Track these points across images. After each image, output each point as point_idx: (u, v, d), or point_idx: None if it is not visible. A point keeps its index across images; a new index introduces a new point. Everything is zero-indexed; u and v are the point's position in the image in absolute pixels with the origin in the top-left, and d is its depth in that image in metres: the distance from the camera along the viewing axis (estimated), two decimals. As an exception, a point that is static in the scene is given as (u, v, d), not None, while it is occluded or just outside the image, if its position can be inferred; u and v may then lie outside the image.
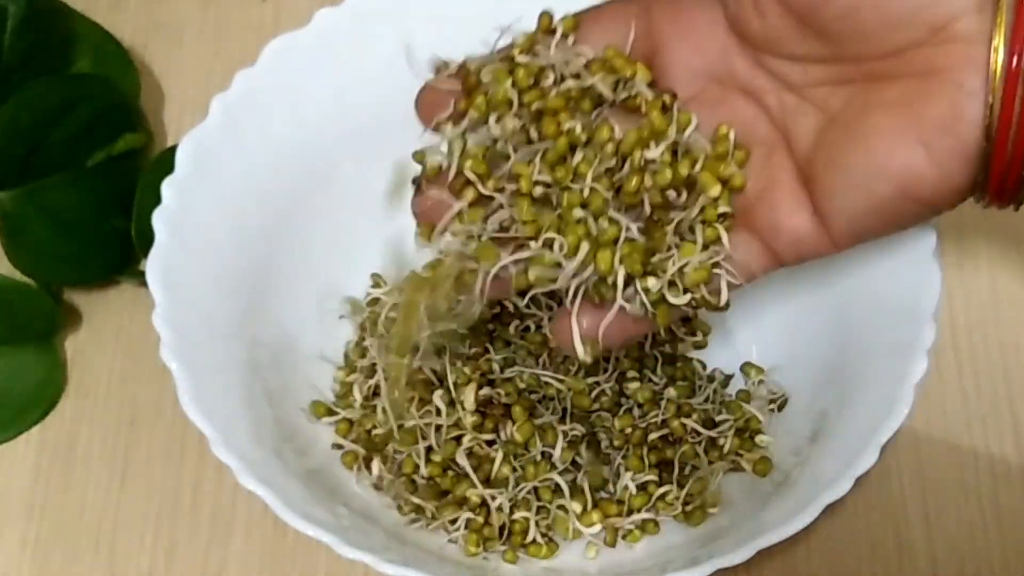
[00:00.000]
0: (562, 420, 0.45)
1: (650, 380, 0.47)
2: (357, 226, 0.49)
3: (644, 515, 0.43)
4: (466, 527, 0.43)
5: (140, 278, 0.48)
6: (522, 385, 0.45)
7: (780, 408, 0.46)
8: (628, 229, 0.33)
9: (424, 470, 0.44)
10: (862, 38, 0.32)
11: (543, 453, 0.44)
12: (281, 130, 0.46)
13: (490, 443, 0.45)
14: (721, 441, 0.44)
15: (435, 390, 0.45)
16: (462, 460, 0.43)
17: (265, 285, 0.46)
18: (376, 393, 0.46)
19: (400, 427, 0.45)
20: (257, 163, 0.46)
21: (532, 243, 0.33)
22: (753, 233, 0.35)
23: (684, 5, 0.35)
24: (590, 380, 0.46)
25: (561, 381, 0.45)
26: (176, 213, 0.43)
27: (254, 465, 0.39)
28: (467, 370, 0.45)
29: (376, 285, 0.51)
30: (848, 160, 0.32)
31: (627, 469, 0.44)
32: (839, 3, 0.31)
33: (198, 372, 0.40)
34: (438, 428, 0.44)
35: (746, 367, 0.48)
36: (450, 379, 0.44)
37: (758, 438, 0.45)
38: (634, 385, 0.46)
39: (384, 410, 0.45)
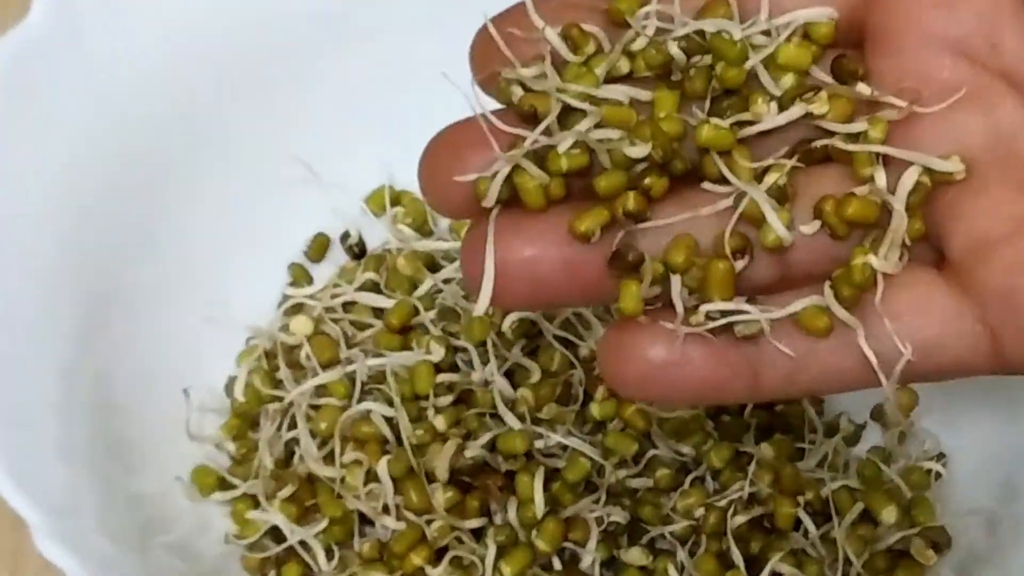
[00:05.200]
0: (594, 499, 0.45)
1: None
2: (262, 197, 0.50)
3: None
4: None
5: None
6: (539, 444, 0.45)
7: (936, 476, 0.46)
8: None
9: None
10: None
11: (564, 550, 0.45)
12: (146, 46, 0.47)
13: (477, 534, 0.45)
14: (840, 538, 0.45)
15: (388, 452, 0.45)
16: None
17: (118, 290, 0.47)
18: (294, 453, 0.47)
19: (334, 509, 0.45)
20: (108, 95, 0.46)
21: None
22: (968, 297, 0.32)
23: None
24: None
25: (593, 443, 0.46)
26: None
27: (104, 567, 0.39)
28: (440, 421, 0.45)
29: (296, 281, 0.51)
30: None
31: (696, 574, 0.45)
32: None
33: (15, 424, 0.40)
34: (388, 510, 0.45)
35: (882, 410, 0.48)
36: (410, 435, 0.45)
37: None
38: (707, 443, 0.47)
39: (307, 477, 0.46)
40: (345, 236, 0.52)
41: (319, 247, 0.52)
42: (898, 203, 0.31)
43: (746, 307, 0.31)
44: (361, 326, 0.49)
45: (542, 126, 0.31)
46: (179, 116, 0.48)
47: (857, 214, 0.31)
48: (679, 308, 0.31)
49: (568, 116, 0.32)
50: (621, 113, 0.32)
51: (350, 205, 0.52)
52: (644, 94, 0.32)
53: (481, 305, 0.32)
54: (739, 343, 0.32)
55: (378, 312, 0.49)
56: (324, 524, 0.45)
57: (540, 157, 0.32)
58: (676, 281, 0.31)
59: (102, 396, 0.45)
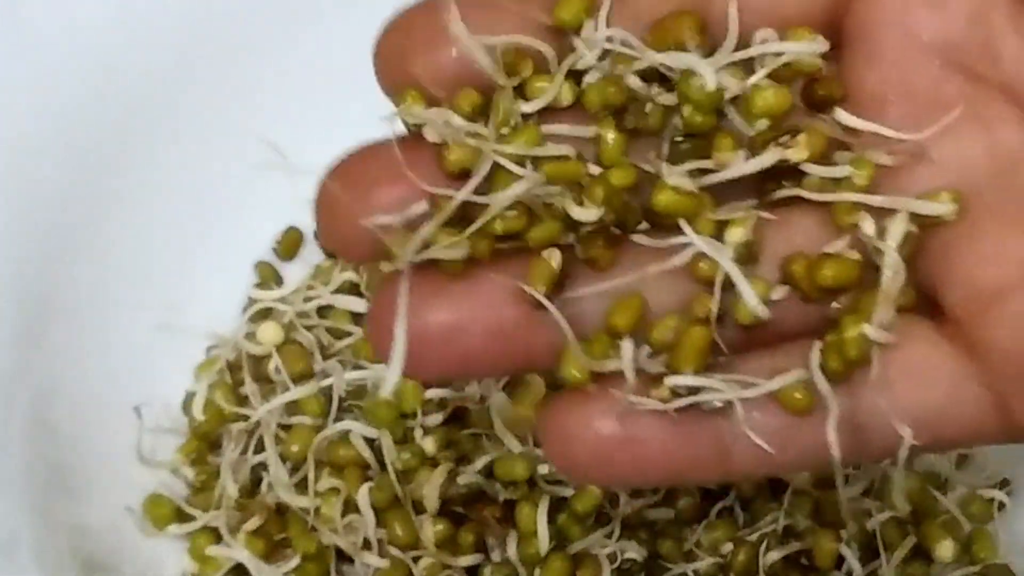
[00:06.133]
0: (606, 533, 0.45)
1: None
2: (224, 186, 0.50)
3: None
4: None
5: None
6: (542, 470, 0.44)
7: (1000, 506, 0.46)
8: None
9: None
10: None
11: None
12: (92, 15, 0.47)
13: (472, 572, 0.44)
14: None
15: (369, 479, 0.45)
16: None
17: (58, 293, 0.47)
18: (261, 479, 0.47)
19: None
20: (46, 70, 0.46)
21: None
22: (972, 357, 0.31)
23: None
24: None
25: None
26: None
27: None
28: (429, 443, 0.45)
29: (264, 282, 0.51)
30: None
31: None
32: None
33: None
34: (370, 545, 0.44)
35: None
36: (395, 459, 0.45)
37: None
38: None
39: (277, 508, 0.46)
40: (321, 231, 0.51)
41: (290, 243, 0.51)
42: (889, 264, 0.30)
43: (717, 384, 0.30)
44: (338, 334, 0.49)
45: (470, 185, 0.29)
46: (128, 91, 0.48)
47: (834, 279, 0.30)
48: (630, 376, 0.30)
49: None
50: (567, 169, 0.30)
51: (326, 195, 0.51)
52: (586, 131, 0.30)
53: (389, 384, 0.30)
54: (706, 416, 0.30)
55: (358, 318, 0.49)
56: (296, 561, 0.45)
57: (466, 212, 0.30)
58: (628, 348, 0.30)
59: (41, 415, 0.45)
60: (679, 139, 0.30)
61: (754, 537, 0.44)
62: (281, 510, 0.45)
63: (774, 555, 0.44)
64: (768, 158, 0.29)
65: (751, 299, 0.29)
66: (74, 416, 0.46)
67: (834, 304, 0.30)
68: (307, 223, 0.51)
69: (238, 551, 0.45)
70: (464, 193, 0.28)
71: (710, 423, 0.30)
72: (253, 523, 0.45)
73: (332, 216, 0.30)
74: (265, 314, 0.49)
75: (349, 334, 0.48)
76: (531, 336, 0.30)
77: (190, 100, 0.49)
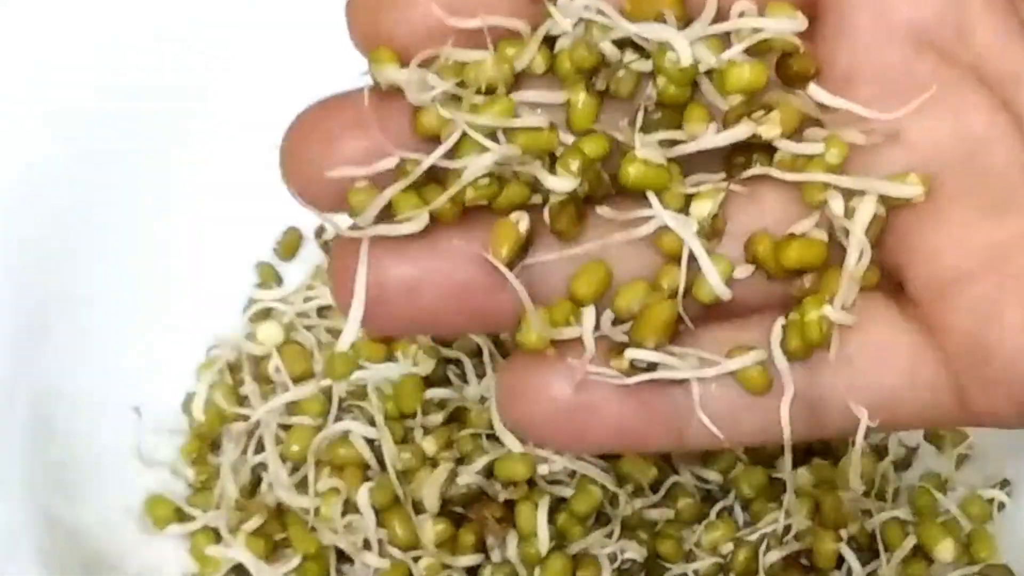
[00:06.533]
0: (606, 533, 0.44)
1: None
2: (224, 186, 0.49)
3: None
4: None
5: None
6: (542, 470, 0.44)
7: (1000, 506, 0.46)
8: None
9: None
10: None
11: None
12: (91, 15, 0.47)
13: (472, 573, 0.44)
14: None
15: (369, 479, 0.45)
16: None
17: (58, 294, 0.46)
18: (261, 479, 0.47)
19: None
20: (47, 71, 0.46)
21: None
22: (931, 340, 0.31)
23: None
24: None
25: (605, 469, 0.44)
26: None
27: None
28: (429, 443, 0.44)
29: (264, 282, 0.51)
30: None
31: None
32: None
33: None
34: (370, 545, 0.44)
35: (937, 433, 0.48)
36: (395, 459, 0.44)
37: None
38: (736, 467, 0.46)
39: (277, 508, 0.46)
40: (320, 231, 0.51)
41: (290, 243, 0.51)
42: (855, 246, 0.30)
43: (676, 362, 0.30)
44: (338, 334, 0.48)
45: (438, 152, 0.29)
46: (128, 93, 0.47)
47: (798, 260, 0.29)
48: (589, 345, 0.29)
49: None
50: (540, 140, 0.29)
51: (326, 195, 0.51)
52: (558, 96, 0.30)
53: (347, 337, 0.30)
54: (663, 387, 0.30)
55: (358, 318, 0.49)
56: (296, 562, 0.45)
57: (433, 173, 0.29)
58: (589, 316, 0.29)
59: (41, 416, 0.45)
60: (651, 108, 0.29)
61: (754, 537, 0.44)
62: (281, 510, 0.45)
63: (774, 555, 0.44)
64: (740, 132, 0.29)
65: (714, 280, 0.29)
66: (74, 416, 0.45)
67: (798, 283, 0.30)
68: (307, 223, 0.51)
69: (238, 551, 0.45)
70: (432, 159, 0.28)
71: (666, 394, 0.30)
72: (253, 523, 0.45)
73: (297, 163, 0.30)
74: (265, 314, 0.49)
75: (349, 334, 0.48)
76: (493, 297, 0.30)
77: (190, 101, 0.48)
